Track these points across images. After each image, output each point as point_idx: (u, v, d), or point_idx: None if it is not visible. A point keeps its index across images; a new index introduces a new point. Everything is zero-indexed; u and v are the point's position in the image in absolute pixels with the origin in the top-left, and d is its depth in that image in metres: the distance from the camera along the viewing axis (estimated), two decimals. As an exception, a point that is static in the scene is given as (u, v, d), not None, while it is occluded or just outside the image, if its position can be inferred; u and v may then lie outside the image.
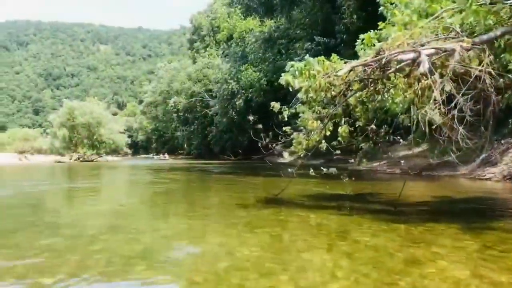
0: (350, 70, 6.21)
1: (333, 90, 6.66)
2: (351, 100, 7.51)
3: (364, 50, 6.99)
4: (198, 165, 30.64)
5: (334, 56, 6.73)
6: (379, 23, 7.10)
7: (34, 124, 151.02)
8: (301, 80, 6.29)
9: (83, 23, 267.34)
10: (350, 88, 6.94)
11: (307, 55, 7.12)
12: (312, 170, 8.35)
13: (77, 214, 7.51)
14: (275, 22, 37.26)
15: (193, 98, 56.02)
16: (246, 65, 40.42)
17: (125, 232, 5.42)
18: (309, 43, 27.58)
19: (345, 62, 6.40)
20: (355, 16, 23.47)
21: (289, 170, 9.46)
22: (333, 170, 8.35)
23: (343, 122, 7.68)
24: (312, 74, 6.26)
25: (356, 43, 7.35)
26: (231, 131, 45.77)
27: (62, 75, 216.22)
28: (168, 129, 72.18)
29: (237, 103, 40.83)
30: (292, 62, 6.56)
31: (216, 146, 50.23)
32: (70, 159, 43.35)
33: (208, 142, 52.65)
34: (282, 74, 6.40)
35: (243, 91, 40.70)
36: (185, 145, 70.90)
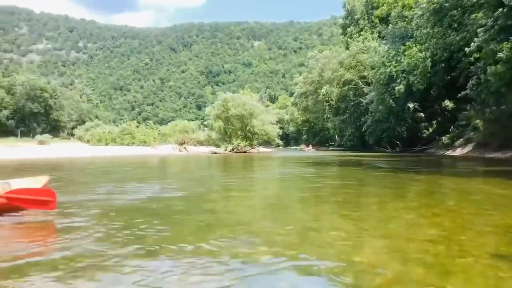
0: None
1: None
2: None
3: None
4: (354, 158, 27.62)
5: None
6: None
7: (197, 118, 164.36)
8: None
9: (239, 21, 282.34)
10: None
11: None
12: None
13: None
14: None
15: (345, 86, 52.73)
16: (410, 43, 35.78)
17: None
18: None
19: None
20: None
21: None
22: None
23: None
24: None
25: None
26: (388, 120, 41.45)
27: (221, 72, 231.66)
28: (319, 120, 70.13)
29: (396, 88, 36.45)
30: None
31: (371, 136, 46.29)
32: (225, 150, 44.18)
33: (361, 133, 48.91)
34: None
35: (403, 75, 36.18)
36: (336, 136, 67.96)
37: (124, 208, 6.41)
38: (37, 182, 6.68)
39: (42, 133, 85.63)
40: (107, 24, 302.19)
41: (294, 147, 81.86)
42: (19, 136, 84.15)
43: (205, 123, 56.70)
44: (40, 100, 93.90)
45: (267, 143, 52.06)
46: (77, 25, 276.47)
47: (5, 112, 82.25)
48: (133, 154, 37.17)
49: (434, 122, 38.76)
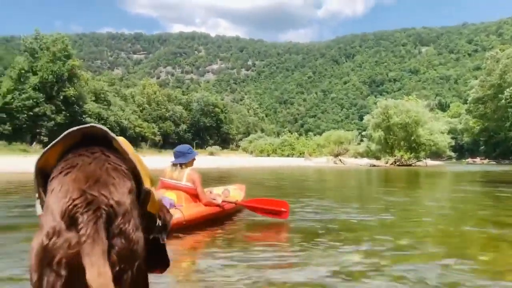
0: None
1: None
2: None
3: None
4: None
5: None
6: None
7: (359, 129, 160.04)
8: None
9: (405, 28, 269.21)
10: None
11: None
12: None
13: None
14: None
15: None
16: None
17: None
18: None
19: None
20: None
21: None
22: None
23: None
24: None
25: None
26: None
27: (385, 81, 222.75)
28: (501, 129, 60.44)
29: None
30: None
31: None
32: (386, 163, 40.64)
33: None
34: None
35: None
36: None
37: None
38: (241, 189, 7.57)
39: (213, 144, 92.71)
40: (273, 42, 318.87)
41: (465, 160, 72.05)
42: (194, 147, 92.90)
43: (363, 133, 53.57)
44: (212, 115, 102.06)
45: (436, 155, 46.52)
46: (247, 45, 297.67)
47: (183, 126, 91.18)
48: (285, 165, 36.66)
49: None
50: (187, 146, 5.92)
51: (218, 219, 5.84)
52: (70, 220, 1.17)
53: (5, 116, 48.49)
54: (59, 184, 1.24)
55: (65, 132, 1.43)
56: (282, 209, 5.94)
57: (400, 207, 8.45)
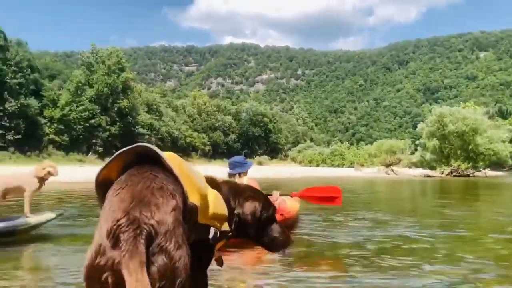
0: None
1: None
2: None
3: None
4: None
5: None
6: None
7: (413, 138, 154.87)
8: None
9: (461, 33, 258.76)
10: None
11: None
12: None
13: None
14: None
15: None
16: None
17: None
18: None
19: None
20: None
21: None
22: None
23: None
24: None
25: None
26: None
27: (440, 88, 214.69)
28: None
29: None
30: None
31: None
32: (442, 173, 38.65)
33: None
34: None
35: None
36: None
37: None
38: (295, 199, 7.33)
39: (262, 154, 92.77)
40: (323, 51, 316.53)
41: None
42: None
43: (416, 142, 51.33)
44: (261, 124, 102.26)
45: (496, 165, 43.74)
46: (296, 54, 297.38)
47: (233, 136, 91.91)
48: (335, 176, 35.75)
49: None
50: (241, 156, 6.06)
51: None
52: (115, 240, 1.26)
53: (63, 127, 50.81)
54: (109, 204, 1.38)
55: (116, 153, 1.62)
56: (335, 195, 6.23)
57: (464, 221, 7.78)
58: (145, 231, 1.28)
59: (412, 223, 7.36)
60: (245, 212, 2.18)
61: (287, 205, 6.69)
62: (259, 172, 32.67)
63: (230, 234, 2.09)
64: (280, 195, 6.21)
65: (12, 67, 45.55)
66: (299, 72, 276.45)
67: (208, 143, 79.17)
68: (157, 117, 64.22)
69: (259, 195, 2.30)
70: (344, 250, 5.22)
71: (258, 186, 5.48)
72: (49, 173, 5.74)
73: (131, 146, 1.63)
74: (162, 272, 1.29)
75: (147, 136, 58.52)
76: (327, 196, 6.29)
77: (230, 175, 5.72)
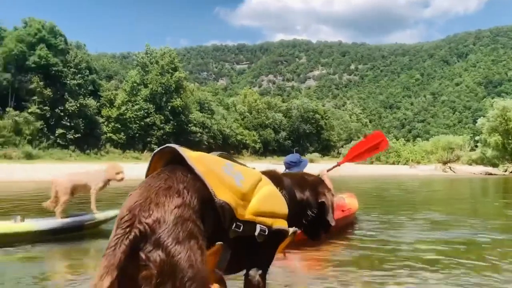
0: None
1: None
2: None
3: None
4: None
5: None
6: None
7: (474, 134, 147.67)
8: None
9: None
10: None
11: None
12: None
13: None
14: None
15: None
16: None
17: None
18: None
19: None
20: None
21: None
22: None
23: None
24: None
25: None
26: None
27: (503, 81, 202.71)
28: None
29: None
30: None
31: None
32: (505, 171, 36.37)
33: None
34: None
35: None
36: None
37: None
38: (353, 196, 7.37)
39: (314, 152, 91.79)
40: (377, 45, 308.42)
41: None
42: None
43: (476, 138, 48.61)
44: (312, 121, 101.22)
45: None
46: (349, 49, 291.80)
47: (283, 134, 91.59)
48: (389, 174, 34.61)
49: None
50: (296, 155, 5.94)
51: (342, 225, 5.82)
52: None
53: (119, 126, 52.80)
54: (126, 200, 1.51)
55: (152, 154, 1.79)
56: (379, 140, 6.18)
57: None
58: (136, 230, 1.35)
59: (475, 225, 6.92)
60: (329, 199, 2.28)
61: (346, 202, 6.60)
62: (309, 170, 32.24)
63: (296, 230, 2.10)
64: (328, 171, 6.01)
65: (72, 69, 47.92)
66: (352, 67, 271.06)
67: (259, 140, 79.36)
68: (209, 116, 65.20)
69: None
70: (408, 252, 4.98)
71: None
72: (121, 179, 6.15)
73: (161, 147, 1.76)
74: (159, 268, 1.33)
75: (199, 134, 59.60)
76: (372, 145, 6.15)
77: None
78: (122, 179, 6.14)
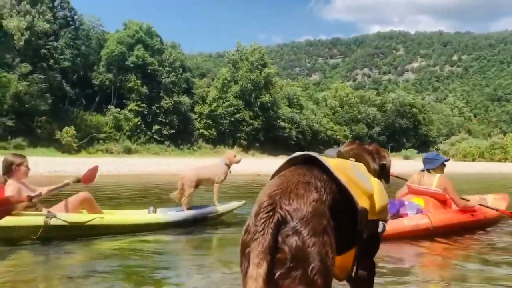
0: None
1: None
2: None
3: None
4: None
5: None
6: None
7: None
8: None
9: None
10: None
11: None
12: None
13: None
14: None
15: None
16: None
17: None
18: None
19: None
20: None
21: None
22: None
23: None
24: None
25: None
26: None
27: None
28: None
29: None
30: None
31: None
32: None
33: None
34: None
35: None
36: None
37: None
38: (503, 198, 6.97)
39: (410, 148, 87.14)
40: (483, 33, 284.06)
41: None
42: (389, 151, 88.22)
43: None
44: (409, 116, 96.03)
45: None
46: (451, 39, 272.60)
47: (377, 129, 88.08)
48: (493, 172, 31.40)
49: None
50: (433, 153, 6.13)
51: (470, 228, 5.62)
52: (257, 220, 1.45)
53: (211, 122, 54.59)
54: (263, 189, 1.61)
55: (289, 157, 1.84)
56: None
57: None
58: (278, 214, 1.43)
59: None
60: (388, 161, 2.44)
61: (490, 204, 6.29)
62: (402, 168, 30.44)
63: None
64: (480, 205, 5.85)
65: (167, 68, 50.43)
66: (455, 58, 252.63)
67: (350, 136, 77.10)
68: (297, 111, 64.77)
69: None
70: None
71: (451, 184, 5.50)
72: (238, 160, 6.66)
73: (299, 154, 1.84)
74: (293, 253, 1.39)
75: (287, 130, 59.48)
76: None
77: (422, 171, 5.81)
78: (239, 160, 6.68)
